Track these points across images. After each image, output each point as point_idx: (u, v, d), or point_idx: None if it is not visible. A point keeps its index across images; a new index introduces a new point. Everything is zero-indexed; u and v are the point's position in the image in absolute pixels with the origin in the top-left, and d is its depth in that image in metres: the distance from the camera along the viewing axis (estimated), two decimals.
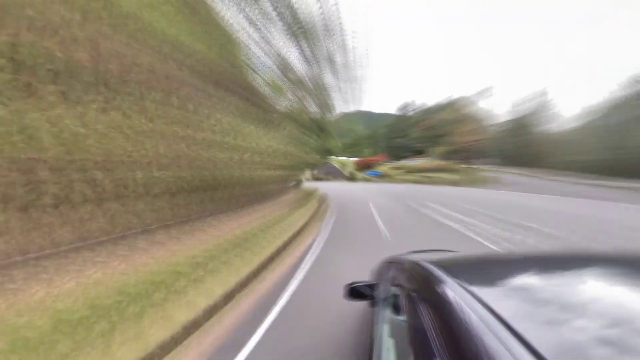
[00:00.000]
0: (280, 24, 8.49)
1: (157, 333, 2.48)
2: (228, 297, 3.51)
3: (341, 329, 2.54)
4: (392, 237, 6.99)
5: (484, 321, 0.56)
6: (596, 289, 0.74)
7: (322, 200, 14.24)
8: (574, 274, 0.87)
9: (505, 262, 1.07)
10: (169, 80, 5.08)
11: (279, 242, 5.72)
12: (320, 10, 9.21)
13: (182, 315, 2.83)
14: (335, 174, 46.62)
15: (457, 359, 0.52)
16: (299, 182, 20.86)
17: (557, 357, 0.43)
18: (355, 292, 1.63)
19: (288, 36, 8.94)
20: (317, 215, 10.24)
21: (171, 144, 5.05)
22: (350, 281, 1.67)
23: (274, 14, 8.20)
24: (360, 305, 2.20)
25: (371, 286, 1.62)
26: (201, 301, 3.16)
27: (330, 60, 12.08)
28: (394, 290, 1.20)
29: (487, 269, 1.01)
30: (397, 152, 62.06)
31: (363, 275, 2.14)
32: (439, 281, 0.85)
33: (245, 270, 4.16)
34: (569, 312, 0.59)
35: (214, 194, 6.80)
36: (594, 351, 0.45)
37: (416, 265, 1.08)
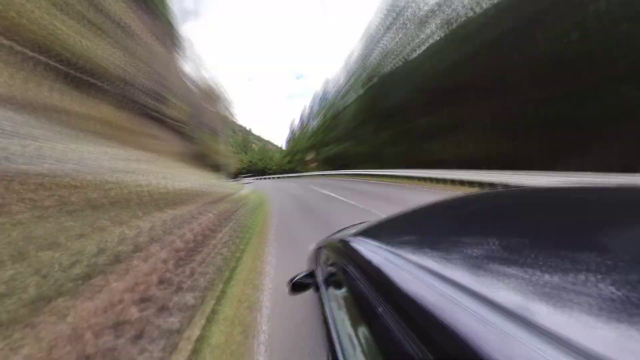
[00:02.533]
0: None
1: None
2: None
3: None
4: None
5: (408, 272, 0.63)
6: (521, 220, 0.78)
7: None
8: (479, 212, 0.96)
9: (421, 215, 1.16)
10: None
11: None
12: None
13: None
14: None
15: (395, 307, 0.60)
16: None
17: (483, 287, 0.48)
18: (297, 286, 1.65)
19: None
20: None
21: None
22: (290, 278, 1.68)
23: None
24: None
25: (310, 274, 1.67)
26: None
27: None
28: (330, 269, 1.30)
29: (400, 226, 1.10)
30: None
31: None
32: (362, 248, 0.95)
33: None
34: (482, 248, 0.64)
35: None
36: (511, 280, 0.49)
37: (342, 241, 1.18)
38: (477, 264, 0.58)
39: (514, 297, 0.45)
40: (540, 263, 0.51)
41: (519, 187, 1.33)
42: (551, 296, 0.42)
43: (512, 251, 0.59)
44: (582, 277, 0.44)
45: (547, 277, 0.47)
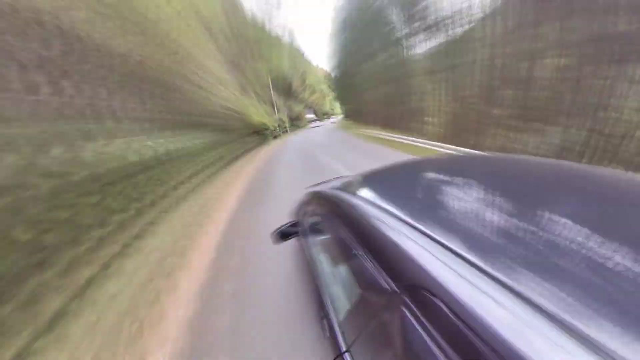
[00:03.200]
0: None
1: None
2: None
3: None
4: None
5: (381, 219, 0.73)
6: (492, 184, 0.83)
7: None
8: (468, 175, 0.99)
9: (403, 169, 1.26)
10: None
11: None
12: None
13: None
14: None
15: (369, 249, 0.71)
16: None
17: (454, 238, 0.56)
18: (283, 234, 1.76)
19: None
20: None
21: None
22: (275, 229, 1.79)
23: None
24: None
25: (294, 224, 1.78)
26: None
27: None
28: (312, 219, 1.42)
29: (378, 181, 1.18)
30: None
31: None
32: (340, 198, 1.05)
33: None
34: (455, 202, 0.72)
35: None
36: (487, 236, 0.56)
37: (324, 194, 1.27)
38: (446, 219, 0.65)
39: (472, 248, 0.51)
40: (505, 225, 0.57)
41: (498, 153, 1.44)
42: (508, 254, 0.48)
43: (478, 212, 0.64)
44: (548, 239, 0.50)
45: (511, 236, 0.53)
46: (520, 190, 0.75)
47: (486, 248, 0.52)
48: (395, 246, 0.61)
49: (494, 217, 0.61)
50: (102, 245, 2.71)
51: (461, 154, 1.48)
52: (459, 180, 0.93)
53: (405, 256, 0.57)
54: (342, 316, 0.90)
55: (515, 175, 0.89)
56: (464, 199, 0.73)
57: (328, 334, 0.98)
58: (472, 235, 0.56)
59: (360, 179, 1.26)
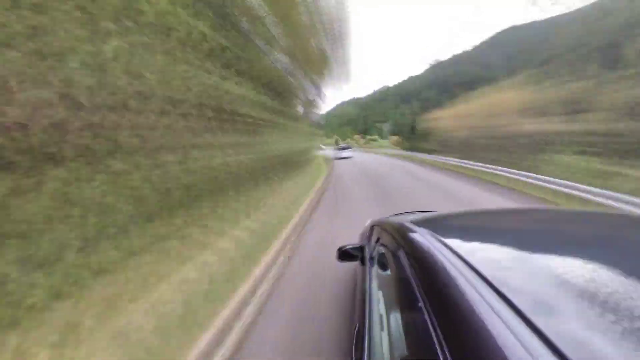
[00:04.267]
0: None
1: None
2: None
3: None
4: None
5: (458, 270, 0.62)
6: (578, 249, 0.75)
7: None
8: (554, 232, 0.92)
9: (484, 218, 1.17)
10: None
11: None
12: None
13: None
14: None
15: (435, 303, 0.59)
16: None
17: (531, 307, 0.47)
18: (345, 254, 1.75)
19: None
20: None
21: None
22: (340, 246, 1.79)
23: None
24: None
25: (360, 248, 1.74)
26: None
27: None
28: (380, 249, 1.31)
29: (465, 225, 1.09)
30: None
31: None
32: (417, 237, 0.93)
33: None
34: (544, 267, 0.64)
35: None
36: (568, 307, 0.48)
37: (398, 225, 1.16)
38: (535, 284, 0.56)
39: (560, 330, 0.42)
40: (602, 301, 0.48)
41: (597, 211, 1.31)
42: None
43: (573, 278, 0.56)
44: None
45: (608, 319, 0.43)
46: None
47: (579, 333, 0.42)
48: (467, 311, 0.51)
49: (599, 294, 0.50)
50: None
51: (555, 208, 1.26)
52: (579, 243, 0.80)
53: (476, 327, 0.46)
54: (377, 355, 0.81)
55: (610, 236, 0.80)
56: (575, 269, 0.61)
57: None
58: (575, 324, 0.44)
59: (447, 219, 1.15)
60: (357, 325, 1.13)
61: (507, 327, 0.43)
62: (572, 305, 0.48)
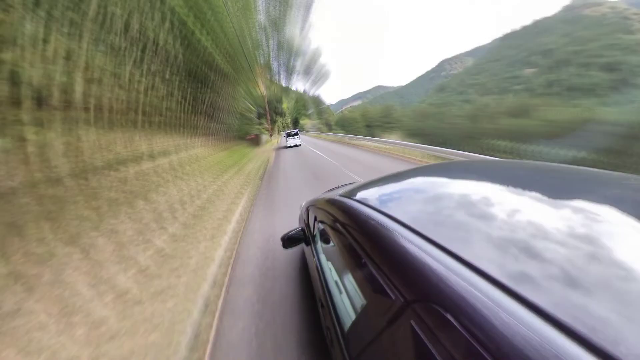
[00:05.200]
0: None
1: None
2: None
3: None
4: None
5: (385, 225, 0.74)
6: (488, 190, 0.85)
7: None
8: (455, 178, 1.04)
9: (400, 179, 1.25)
10: None
11: None
12: None
13: None
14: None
15: (375, 255, 0.70)
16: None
17: (448, 242, 0.57)
18: (289, 240, 1.76)
19: None
20: None
21: None
22: (282, 234, 1.79)
23: None
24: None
25: (301, 230, 1.77)
26: None
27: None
28: (319, 226, 1.42)
29: (382, 189, 1.16)
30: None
31: None
32: (348, 207, 1.04)
33: None
34: (450, 207, 0.75)
35: None
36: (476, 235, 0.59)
37: (330, 201, 1.27)
38: (455, 228, 0.65)
39: (478, 256, 0.52)
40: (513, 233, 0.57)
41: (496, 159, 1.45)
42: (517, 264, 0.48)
43: (483, 217, 0.65)
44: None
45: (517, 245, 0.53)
46: (530, 195, 0.74)
47: (497, 258, 0.51)
48: (403, 256, 0.60)
49: (505, 224, 0.60)
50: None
51: (469, 160, 1.47)
52: (468, 186, 0.92)
53: (414, 266, 0.56)
54: (347, 326, 0.88)
55: (525, 180, 0.89)
56: (475, 206, 0.72)
57: (333, 344, 0.96)
58: (483, 245, 0.55)
59: (367, 186, 1.25)
60: (320, 299, 1.19)
61: (432, 257, 0.55)
62: (479, 232, 0.60)
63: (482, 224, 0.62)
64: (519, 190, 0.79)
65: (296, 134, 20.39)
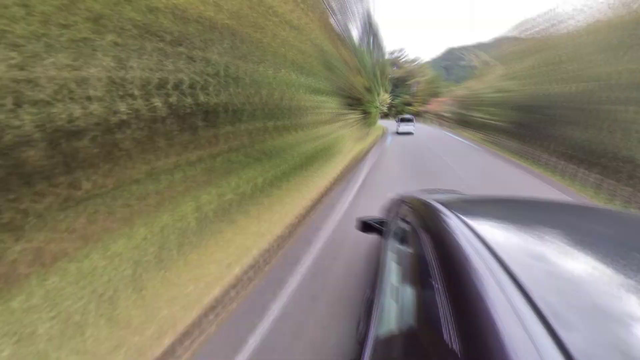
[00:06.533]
0: None
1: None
2: None
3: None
4: None
5: (478, 253, 0.62)
6: (590, 242, 0.75)
7: None
8: (578, 229, 0.89)
9: (509, 204, 1.14)
10: None
11: None
12: None
13: None
14: None
15: (449, 282, 0.60)
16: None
17: (541, 289, 0.49)
18: (366, 225, 1.75)
19: None
20: None
21: None
22: (359, 217, 1.79)
23: None
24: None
25: (381, 222, 1.73)
26: None
27: None
28: (402, 224, 1.30)
29: (489, 209, 1.08)
30: None
31: None
32: (441, 216, 0.93)
33: None
34: (557, 255, 0.66)
35: None
36: (574, 293, 0.51)
37: (422, 202, 1.16)
38: (553, 282, 0.55)
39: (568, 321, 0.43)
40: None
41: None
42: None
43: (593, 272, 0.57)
44: None
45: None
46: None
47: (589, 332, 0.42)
48: (477, 294, 0.51)
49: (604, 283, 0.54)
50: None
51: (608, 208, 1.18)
52: (594, 239, 0.79)
53: (484, 311, 0.47)
54: (380, 334, 0.83)
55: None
56: (588, 263, 0.63)
57: (359, 340, 0.94)
58: (576, 314, 0.46)
59: (474, 201, 1.14)
60: (368, 292, 1.17)
61: (519, 319, 0.43)
62: (586, 306, 0.48)
63: (582, 282, 0.55)
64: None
65: (410, 120, 18.93)
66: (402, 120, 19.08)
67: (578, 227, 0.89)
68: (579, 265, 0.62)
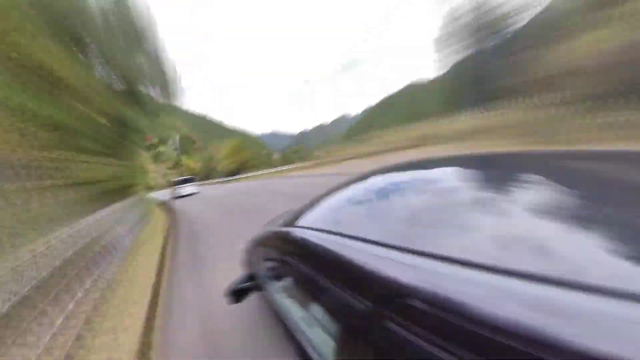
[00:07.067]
0: None
1: None
2: None
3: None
4: None
5: (345, 245, 0.70)
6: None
7: None
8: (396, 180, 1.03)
9: (342, 194, 1.23)
10: None
11: None
12: None
13: None
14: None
15: (342, 280, 0.65)
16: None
17: (418, 244, 0.55)
18: (238, 292, 1.50)
19: None
20: None
21: None
22: (225, 288, 1.53)
23: None
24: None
25: (251, 277, 1.54)
26: None
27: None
28: (268, 264, 1.29)
29: (326, 207, 1.13)
30: None
31: None
32: (297, 236, 0.98)
33: None
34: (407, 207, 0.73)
35: None
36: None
37: (274, 235, 1.21)
38: (404, 226, 0.65)
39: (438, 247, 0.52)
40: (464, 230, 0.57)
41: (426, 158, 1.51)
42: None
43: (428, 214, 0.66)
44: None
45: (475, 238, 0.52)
46: (482, 185, 0.77)
47: (447, 243, 0.52)
48: (363, 266, 0.59)
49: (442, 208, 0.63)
50: None
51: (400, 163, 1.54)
52: (398, 185, 0.95)
53: (377, 271, 0.55)
54: (328, 356, 0.79)
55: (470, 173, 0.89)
56: (404, 200, 0.76)
57: None
58: (417, 231, 0.58)
59: (308, 208, 1.21)
60: (294, 348, 1.02)
61: (388, 257, 0.55)
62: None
63: (419, 215, 0.65)
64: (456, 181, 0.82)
65: (191, 179, 18.09)
66: (178, 183, 17.53)
67: (398, 179, 1.02)
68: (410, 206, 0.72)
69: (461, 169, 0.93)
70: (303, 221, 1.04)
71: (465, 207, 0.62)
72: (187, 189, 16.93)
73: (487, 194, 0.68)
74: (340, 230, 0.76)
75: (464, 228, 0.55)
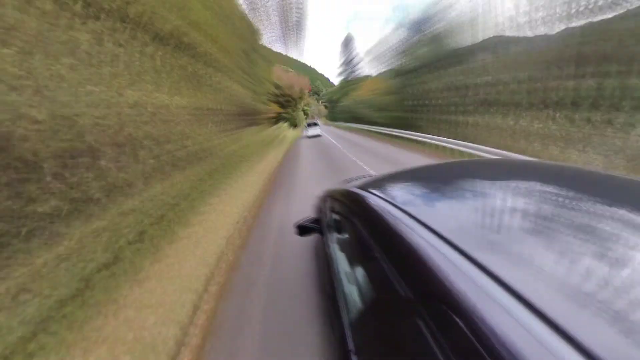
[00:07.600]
0: None
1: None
2: None
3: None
4: None
5: (401, 220, 0.72)
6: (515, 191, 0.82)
7: None
8: (484, 180, 0.99)
9: (418, 174, 1.25)
10: None
11: None
12: None
13: None
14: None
15: (387, 249, 0.69)
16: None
17: (472, 246, 0.54)
18: (303, 229, 1.76)
19: None
20: None
21: None
22: (295, 222, 1.81)
23: None
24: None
25: (316, 220, 1.77)
26: None
27: None
28: (334, 216, 1.40)
29: (401, 183, 1.17)
30: None
31: None
32: (362, 198, 1.03)
33: None
34: (480, 211, 0.71)
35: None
36: (506, 245, 0.56)
37: (346, 192, 1.26)
38: (466, 225, 0.65)
39: (491, 259, 0.50)
40: (526, 235, 0.57)
41: (516, 159, 1.40)
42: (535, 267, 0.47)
43: (501, 219, 0.64)
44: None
45: (535, 248, 0.52)
46: (549, 198, 0.73)
47: (511, 262, 0.50)
48: (415, 253, 0.59)
49: (526, 229, 0.59)
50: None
51: (492, 158, 1.41)
52: (488, 186, 0.91)
53: (425, 264, 0.55)
54: (353, 317, 0.88)
55: (550, 182, 0.87)
56: (495, 207, 0.71)
57: (338, 334, 0.96)
58: (499, 249, 0.54)
59: (386, 179, 1.24)
60: (327, 288, 1.24)
61: (447, 259, 0.53)
62: (512, 242, 0.57)
63: (499, 226, 0.61)
64: (543, 192, 0.77)
65: (316, 124, 21.35)
66: (309, 125, 20.88)
67: (489, 178, 0.98)
68: (500, 214, 0.67)
69: (546, 177, 0.90)
70: (375, 189, 1.06)
71: (546, 220, 0.59)
72: (312, 130, 19.58)
73: (578, 209, 0.65)
74: (408, 210, 0.75)
75: (537, 245, 0.52)
